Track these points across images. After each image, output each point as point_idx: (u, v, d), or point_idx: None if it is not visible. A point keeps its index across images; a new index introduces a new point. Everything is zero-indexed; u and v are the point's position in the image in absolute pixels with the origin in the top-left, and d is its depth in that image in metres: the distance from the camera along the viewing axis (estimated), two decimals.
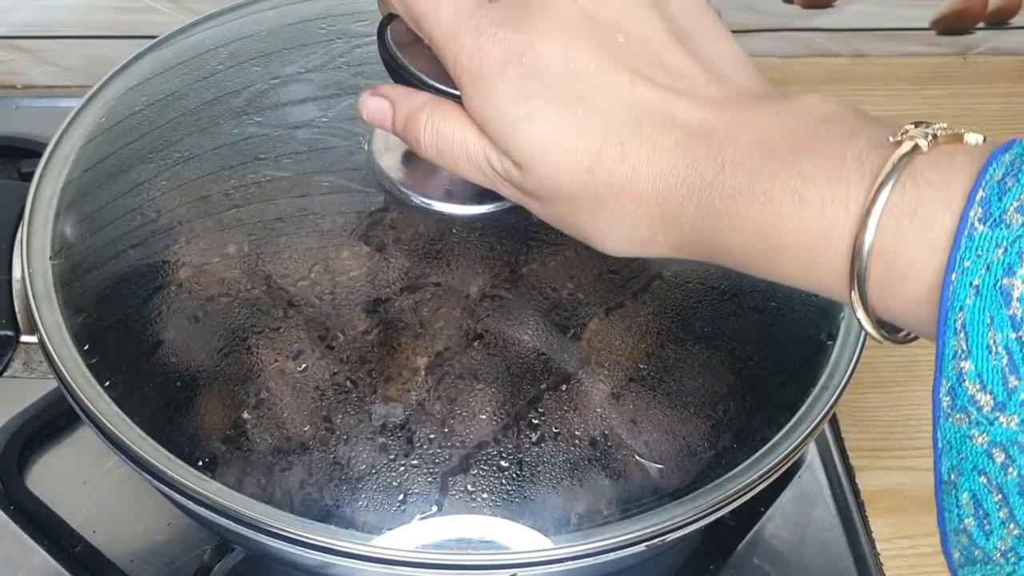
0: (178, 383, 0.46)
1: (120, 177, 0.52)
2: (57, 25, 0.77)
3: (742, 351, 0.48)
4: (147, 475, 0.45)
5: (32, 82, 0.79)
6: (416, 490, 0.44)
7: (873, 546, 0.60)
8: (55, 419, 0.60)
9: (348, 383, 0.45)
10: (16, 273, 0.50)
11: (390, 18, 0.45)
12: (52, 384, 0.51)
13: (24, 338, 0.49)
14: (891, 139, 0.35)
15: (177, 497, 0.45)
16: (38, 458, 0.60)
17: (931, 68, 0.86)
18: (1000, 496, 0.33)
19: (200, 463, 0.44)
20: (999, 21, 0.86)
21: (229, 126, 0.52)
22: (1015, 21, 0.86)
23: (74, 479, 0.59)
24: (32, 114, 0.77)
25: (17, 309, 0.50)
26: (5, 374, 0.50)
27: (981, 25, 0.86)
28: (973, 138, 0.35)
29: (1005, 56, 0.88)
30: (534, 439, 0.45)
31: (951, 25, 0.86)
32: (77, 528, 0.57)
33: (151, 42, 0.58)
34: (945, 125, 0.35)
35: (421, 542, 0.43)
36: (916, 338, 0.38)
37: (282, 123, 0.52)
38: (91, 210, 0.51)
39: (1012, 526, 0.33)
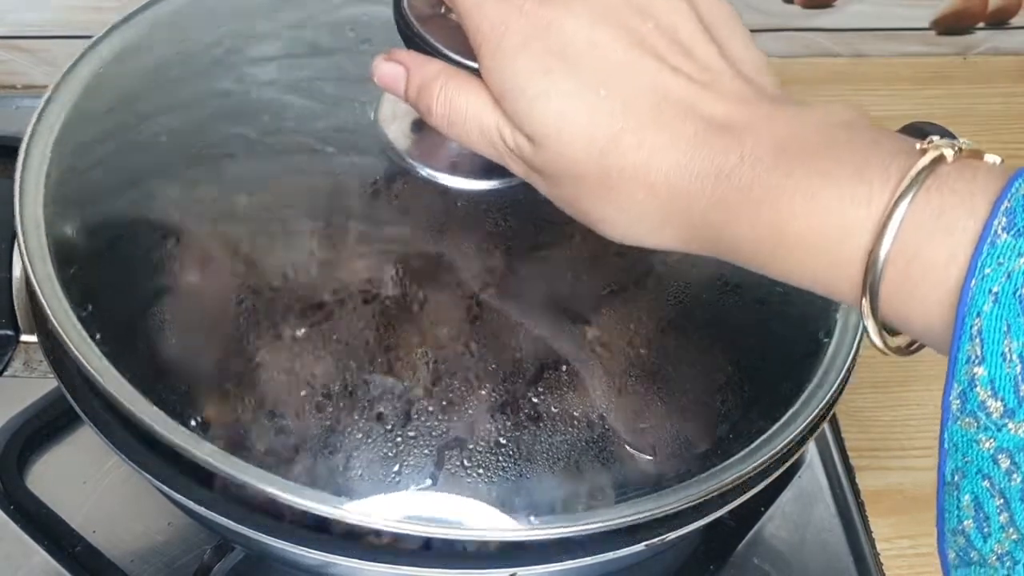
0: (177, 374, 0.45)
1: (113, 148, 0.51)
2: (57, 25, 0.77)
3: (744, 342, 0.48)
4: (146, 473, 0.45)
5: (32, 82, 0.79)
6: (412, 463, 0.43)
7: (873, 546, 0.60)
8: (55, 419, 0.60)
9: (350, 362, 0.44)
10: (16, 272, 0.50)
11: None
12: (52, 384, 0.50)
13: (24, 337, 0.49)
14: (918, 147, 0.35)
15: (177, 496, 0.44)
16: (38, 458, 0.60)
17: (931, 68, 0.86)
18: (1002, 500, 0.33)
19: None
20: (999, 21, 0.86)
21: (228, 91, 0.51)
22: (1015, 21, 0.86)
23: (74, 479, 0.59)
24: (32, 114, 0.77)
25: (17, 308, 0.49)
26: (5, 374, 0.50)
27: (981, 25, 0.86)
28: (991, 158, 0.36)
29: (1005, 56, 0.88)
30: (535, 434, 0.44)
31: (951, 25, 0.86)
32: (77, 528, 0.57)
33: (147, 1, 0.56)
34: (968, 141, 0.36)
35: (419, 533, 0.43)
36: (919, 349, 0.38)
37: (285, 88, 0.51)
38: (80, 197, 0.50)
39: (1011, 530, 0.33)
